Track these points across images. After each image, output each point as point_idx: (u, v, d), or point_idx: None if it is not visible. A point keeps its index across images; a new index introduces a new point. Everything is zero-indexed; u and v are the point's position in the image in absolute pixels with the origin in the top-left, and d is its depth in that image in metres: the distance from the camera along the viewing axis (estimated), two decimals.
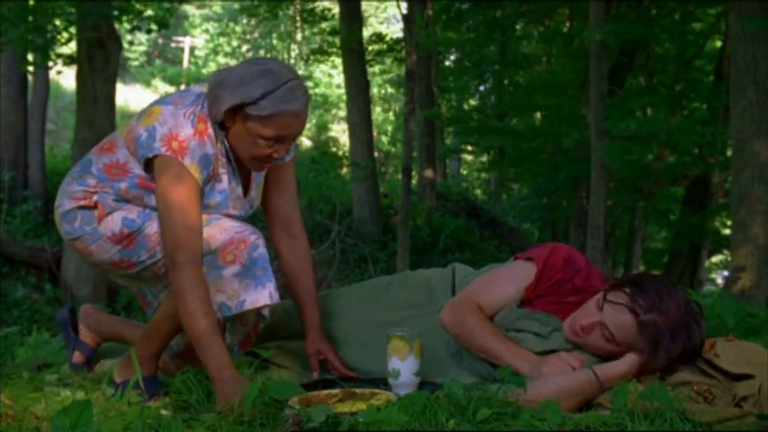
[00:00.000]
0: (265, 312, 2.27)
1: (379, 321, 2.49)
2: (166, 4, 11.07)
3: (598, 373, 1.96)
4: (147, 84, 27.81)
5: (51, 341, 4.01)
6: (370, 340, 2.43)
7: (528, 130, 16.44)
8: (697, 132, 12.42)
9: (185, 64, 30.08)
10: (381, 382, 2.18)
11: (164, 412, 1.93)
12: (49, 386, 2.30)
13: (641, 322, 2.01)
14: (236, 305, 2.16)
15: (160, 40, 30.85)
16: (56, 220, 2.29)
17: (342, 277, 12.84)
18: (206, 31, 30.74)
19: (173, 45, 31.59)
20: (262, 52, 29.51)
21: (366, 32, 16.77)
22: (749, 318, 4.62)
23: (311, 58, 16.60)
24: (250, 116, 2.09)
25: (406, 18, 13.67)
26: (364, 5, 18.48)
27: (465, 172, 27.54)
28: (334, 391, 1.99)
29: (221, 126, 2.17)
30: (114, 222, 2.19)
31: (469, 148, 21.27)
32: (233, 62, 24.61)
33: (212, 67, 27.93)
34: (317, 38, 19.34)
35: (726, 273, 15.36)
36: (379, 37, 15.88)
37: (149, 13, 10.66)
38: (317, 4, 16.12)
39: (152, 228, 2.19)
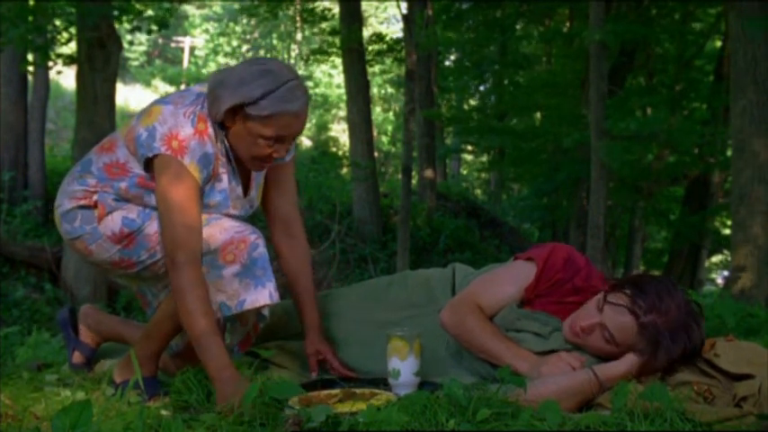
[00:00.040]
0: (265, 312, 2.27)
1: (379, 321, 2.49)
2: (166, 4, 11.07)
3: (598, 374, 1.96)
4: (147, 84, 27.81)
5: (51, 341, 4.01)
6: (370, 340, 2.42)
7: (528, 130, 16.41)
8: (697, 132, 12.41)
9: (185, 64, 30.07)
10: (381, 382, 2.18)
11: (164, 412, 1.93)
12: (49, 386, 2.30)
13: (642, 324, 2.01)
14: (236, 305, 2.16)
15: (160, 40, 30.85)
16: (56, 219, 2.29)
17: (342, 277, 12.83)
18: (206, 31, 30.73)
19: (173, 45, 31.59)
20: (262, 52, 29.50)
21: (366, 32, 16.76)
22: (749, 318, 4.62)
23: (311, 58, 16.60)
24: (250, 116, 2.10)
25: (406, 18, 13.66)
26: (364, 5, 18.48)
27: (465, 172, 27.53)
28: (334, 392, 1.99)
29: (221, 126, 2.17)
30: (114, 222, 2.20)
31: (469, 148, 21.27)
32: (233, 62, 24.61)
33: (212, 67, 27.92)
34: (317, 38, 19.37)
35: (726, 273, 15.34)
36: (379, 37, 15.86)
37: (149, 13, 10.66)
38: (317, 4, 16.11)
39: (152, 227, 2.19)
